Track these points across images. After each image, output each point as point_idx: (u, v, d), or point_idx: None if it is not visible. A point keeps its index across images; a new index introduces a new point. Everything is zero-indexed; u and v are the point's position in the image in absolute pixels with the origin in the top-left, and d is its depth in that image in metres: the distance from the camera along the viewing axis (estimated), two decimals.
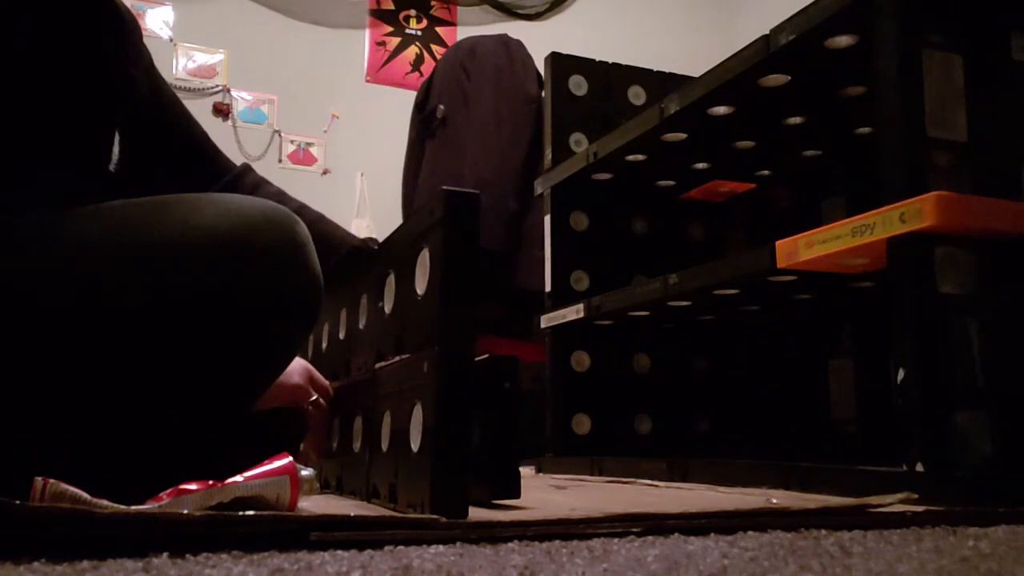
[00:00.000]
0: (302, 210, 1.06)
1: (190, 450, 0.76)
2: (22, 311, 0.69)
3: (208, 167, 1.05)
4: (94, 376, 0.70)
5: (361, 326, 0.93)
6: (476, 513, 0.68)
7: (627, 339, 1.66)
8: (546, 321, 1.63)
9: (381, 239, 0.94)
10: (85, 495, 0.55)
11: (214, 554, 0.50)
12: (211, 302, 0.71)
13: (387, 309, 0.83)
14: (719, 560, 0.52)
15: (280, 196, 1.08)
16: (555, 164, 1.67)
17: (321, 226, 1.06)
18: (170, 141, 1.00)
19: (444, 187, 0.70)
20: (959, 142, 0.92)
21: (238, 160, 1.11)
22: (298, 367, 0.97)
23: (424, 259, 0.72)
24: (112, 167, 0.84)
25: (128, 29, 0.89)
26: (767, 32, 1.10)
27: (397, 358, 0.78)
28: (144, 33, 0.96)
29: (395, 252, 0.82)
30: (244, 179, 1.08)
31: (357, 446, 0.88)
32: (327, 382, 1.02)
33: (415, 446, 0.69)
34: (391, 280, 0.83)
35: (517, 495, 0.82)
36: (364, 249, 1.07)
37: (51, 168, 0.79)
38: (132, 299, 0.70)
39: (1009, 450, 0.86)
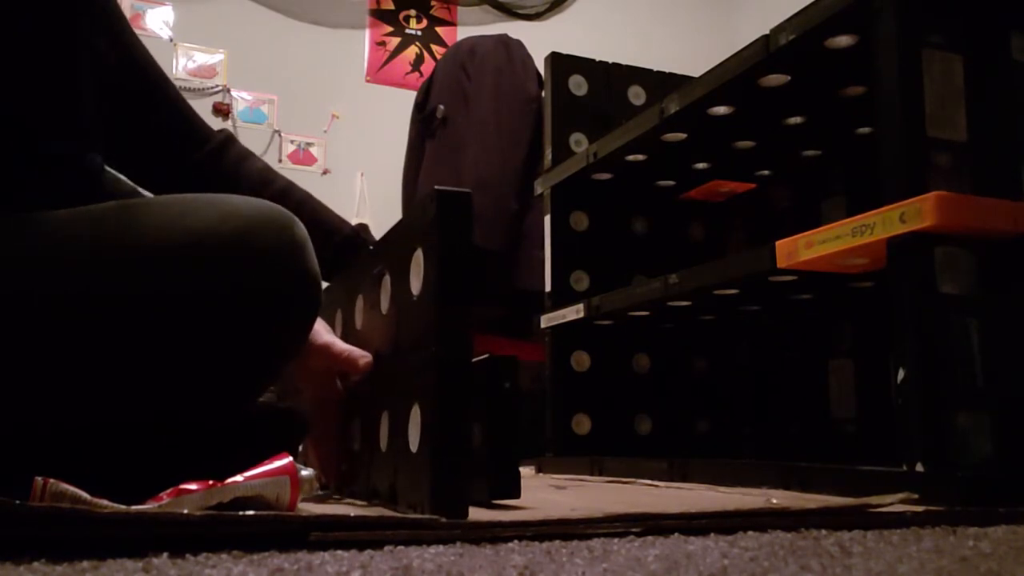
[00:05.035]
0: (289, 189, 1.06)
1: (190, 450, 0.76)
2: (20, 312, 0.69)
3: (187, 134, 1.03)
4: (94, 377, 0.70)
5: (359, 326, 0.92)
6: (476, 513, 0.67)
7: (627, 339, 1.66)
8: (546, 321, 1.63)
9: (380, 238, 0.93)
10: (85, 495, 0.55)
11: (214, 554, 0.50)
12: (210, 303, 0.71)
13: (384, 309, 0.83)
14: (719, 560, 0.52)
15: (265, 172, 1.07)
16: (555, 164, 1.67)
17: (310, 207, 1.05)
18: (142, 108, 0.98)
19: (436, 187, 0.69)
20: (959, 142, 0.92)
21: None
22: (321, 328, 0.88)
23: (418, 259, 0.72)
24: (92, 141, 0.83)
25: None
26: (767, 32, 1.10)
27: (395, 359, 0.78)
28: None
29: (390, 252, 0.82)
30: (228, 151, 1.06)
31: (356, 446, 0.88)
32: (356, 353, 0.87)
33: (414, 447, 0.69)
34: (387, 281, 0.82)
35: (517, 495, 0.82)
36: (356, 239, 1.06)
37: (41, 160, 0.78)
38: (131, 300, 0.70)
39: (1009, 450, 0.86)
